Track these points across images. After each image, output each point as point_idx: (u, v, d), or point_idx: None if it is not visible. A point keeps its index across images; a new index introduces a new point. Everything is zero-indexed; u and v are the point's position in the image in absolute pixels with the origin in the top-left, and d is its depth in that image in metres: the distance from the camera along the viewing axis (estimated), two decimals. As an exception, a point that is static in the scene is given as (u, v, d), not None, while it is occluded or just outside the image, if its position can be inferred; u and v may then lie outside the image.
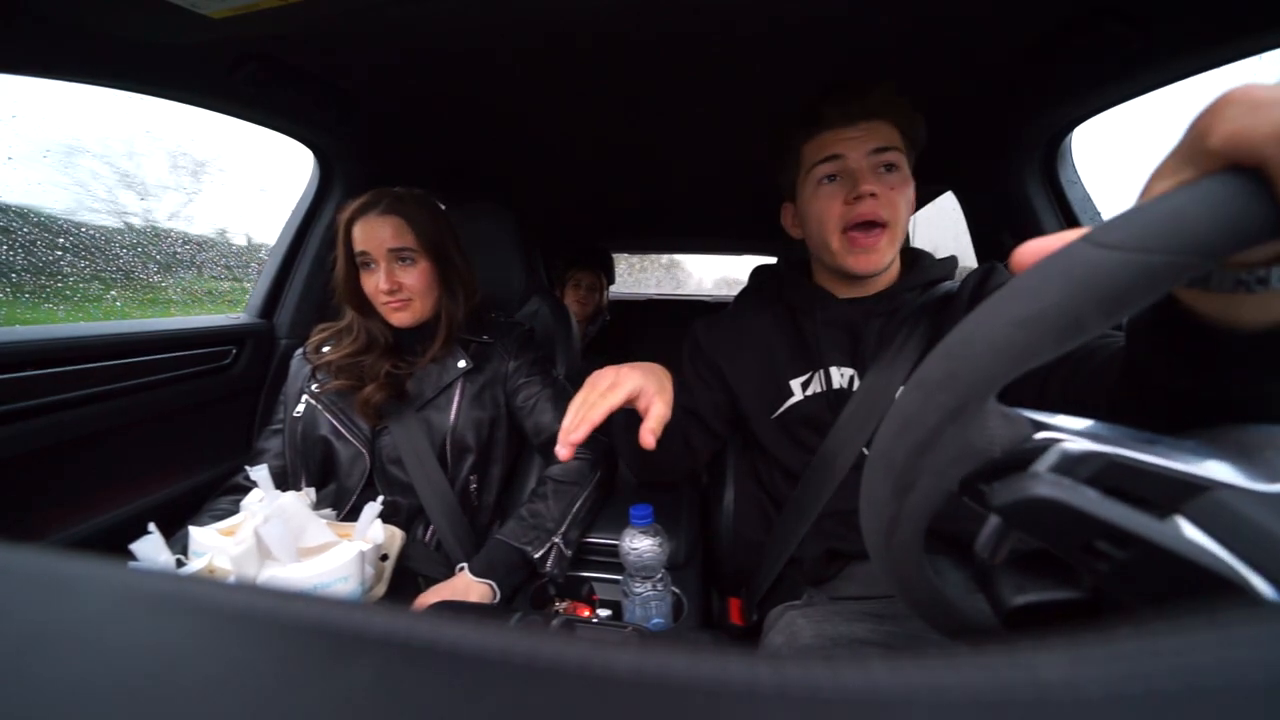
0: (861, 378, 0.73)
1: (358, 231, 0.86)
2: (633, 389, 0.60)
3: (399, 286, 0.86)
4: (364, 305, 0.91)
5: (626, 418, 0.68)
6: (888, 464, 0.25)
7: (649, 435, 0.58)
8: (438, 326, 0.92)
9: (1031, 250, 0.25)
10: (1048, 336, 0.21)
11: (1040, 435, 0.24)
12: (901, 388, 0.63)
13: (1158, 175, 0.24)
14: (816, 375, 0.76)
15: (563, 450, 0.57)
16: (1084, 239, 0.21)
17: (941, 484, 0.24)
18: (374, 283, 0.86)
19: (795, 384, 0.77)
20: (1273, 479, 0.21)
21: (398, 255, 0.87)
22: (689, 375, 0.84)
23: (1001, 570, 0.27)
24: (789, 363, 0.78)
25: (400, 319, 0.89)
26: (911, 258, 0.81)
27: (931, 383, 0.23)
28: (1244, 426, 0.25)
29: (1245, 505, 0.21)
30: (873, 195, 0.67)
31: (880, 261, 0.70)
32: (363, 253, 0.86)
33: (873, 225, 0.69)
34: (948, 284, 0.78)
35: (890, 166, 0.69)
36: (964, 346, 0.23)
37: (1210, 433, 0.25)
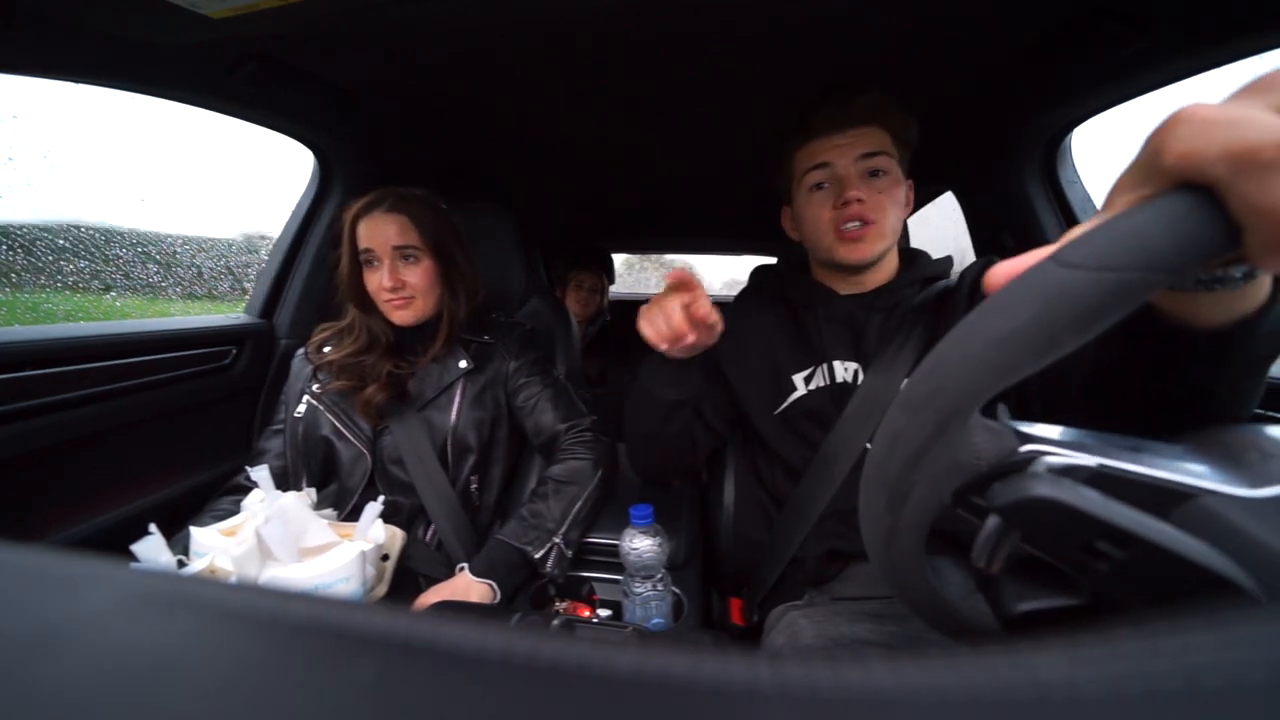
0: (865, 371, 0.74)
1: (362, 229, 0.86)
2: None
3: (402, 284, 0.87)
4: (366, 303, 0.91)
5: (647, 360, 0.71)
6: (881, 478, 0.25)
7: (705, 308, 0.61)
8: (439, 325, 0.93)
9: (1003, 271, 0.26)
10: (1023, 354, 0.21)
11: (1026, 448, 0.25)
12: (905, 382, 0.63)
13: (1118, 189, 0.25)
14: (819, 369, 0.77)
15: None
16: (1051, 258, 0.22)
17: (934, 496, 0.25)
18: (377, 280, 0.87)
19: (798, 378, 0.77)
20: (1257, 483, 0.21)
21: (402, 253, 0.87)
22: None
23: (1002, 578, 0.27)
24: (791, 358, 0.78)
25: (402, 317, 0.89)
26: (909, 256, 0.82)
27: (916, 401, 0.24)
28: (1228, 428, 0.25)
29: (1230, 511, 0.21)
30: (859, 201, 0.69)
31: (869, 251, 0.72)
32: (367, 250, 0.86)
33: (861, 223, 0.71)
34: (944, 282, 0.78)
35: (878, 171, 0.71)
36: (944, 365, 0.23)
37: (1195, 436, 0.25)
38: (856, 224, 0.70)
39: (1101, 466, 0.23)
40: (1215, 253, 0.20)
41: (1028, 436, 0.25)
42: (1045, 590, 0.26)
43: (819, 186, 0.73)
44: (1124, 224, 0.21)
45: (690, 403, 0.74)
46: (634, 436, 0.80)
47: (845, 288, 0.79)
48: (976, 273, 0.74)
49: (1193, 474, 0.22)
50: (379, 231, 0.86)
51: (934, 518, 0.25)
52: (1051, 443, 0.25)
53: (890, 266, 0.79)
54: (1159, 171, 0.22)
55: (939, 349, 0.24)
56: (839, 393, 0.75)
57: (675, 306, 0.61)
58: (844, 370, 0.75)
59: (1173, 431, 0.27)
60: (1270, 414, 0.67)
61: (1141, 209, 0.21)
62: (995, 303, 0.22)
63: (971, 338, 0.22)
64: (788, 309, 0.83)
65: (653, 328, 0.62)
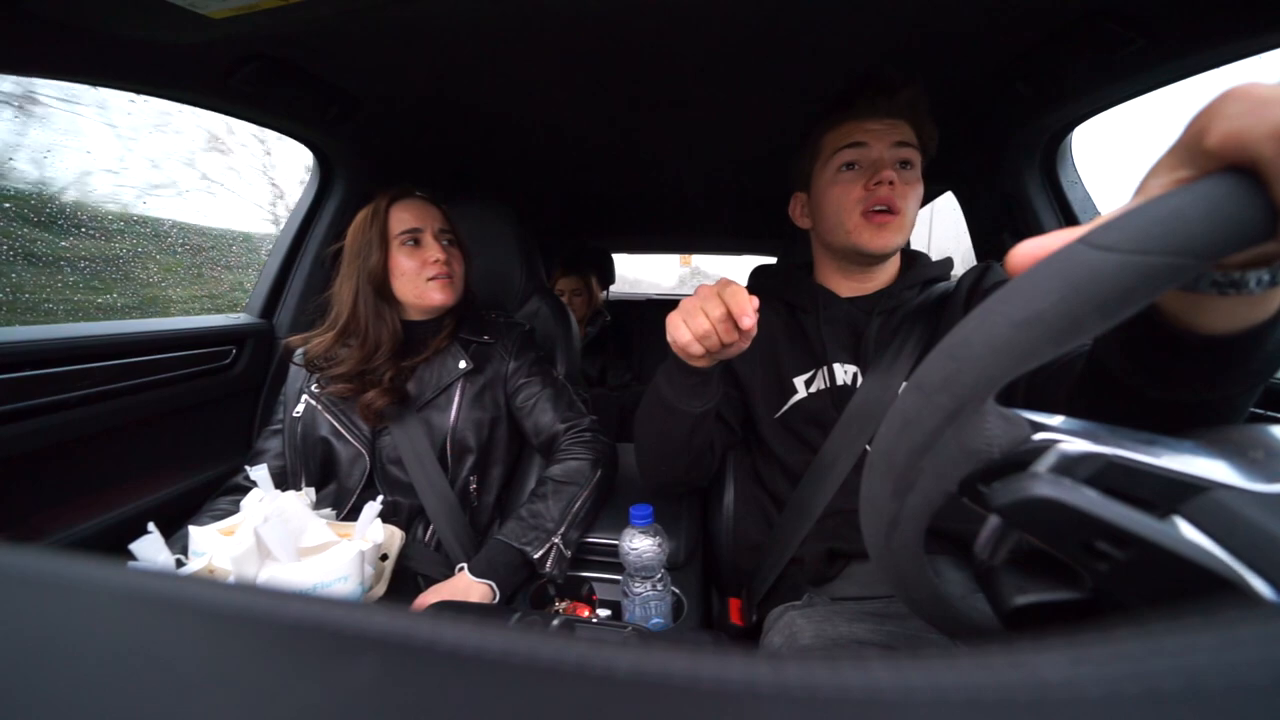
0: (864, 374, 0.74)
1: (403, 212, 0.88)
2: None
3: (448, 260, 0.89)
4: (387, 294, 0.89)
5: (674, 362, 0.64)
6: (887, 464, 0.25)
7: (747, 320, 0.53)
8: (445, 318, 0.94)
9: (1027, 251, 0.25)
10: (1046, 338, 0.21)
11: (1039, 436, 0.24)
12: (904, 385, 0.63)
13: (1154, 173, 0.24)
14: (820, 372, 0.77)
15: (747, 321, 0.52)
16: (1081, 240, 0.21)
17: (941, 485, 0.24)
18: (420, 258, 0.88)
19: (799, 381, 0.77)
20: (1270, 479, 0.21)
21: (445, 236, 0.92)
22: None
23: (1002, 570, 0.27)
24: (792, 360, 0.78)
25: (443, 296, 0.90)
26: (909, 258, 0.82)
27: (931, 384, 0.23)
28: (1234, 427, 0.25)
29: (1243, 506, 0.21)
30: (890, 184, 0.69)
31: (892, 242, 0.71)
32: (413, 229, 0.88)
33: (888, 212, 0.70)
34: (944, 284, 0.78)
35: (906, 163, 0.71)
36: (963, 348, 0.23)
37: (1208, 433, 0.25)
38: (884, 209, 0.70)
39: (1116, 457, 0.23)
40: (1252, 241, 0.20)
41: (1040, 425, 0.25)
42: (1045, 583, 0.26)
43: (850, 166, 0.72)
44: (1161, 207, 0.20)
45: (714, 410, 0.69)
46: (656, 452, 0.73)
47: (847, 289, 0.79)
48: (974, 279, 0.74)
49: (1205, 468, 0.22)
50: (425, 212, 0.89)
51: (939, 506, 0.25)
52: (1064, 432, 0.24)
53: (892, 268, 0.80)
54: (1201, 153, 0.21)
55: (957, 331, 0.23)
56: (839, 395, 0.75)
57: (720, 309, 0.54)
58: (844, 373, 0.75)
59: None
60: (1271, 414, 0.67)
61: (1180, 191, 0.21)
62: (1021, 284, 0.22)
63: (993, 319, 0.22)
64: (788, 310, 0.82)
65: (693, 328, 0.55)
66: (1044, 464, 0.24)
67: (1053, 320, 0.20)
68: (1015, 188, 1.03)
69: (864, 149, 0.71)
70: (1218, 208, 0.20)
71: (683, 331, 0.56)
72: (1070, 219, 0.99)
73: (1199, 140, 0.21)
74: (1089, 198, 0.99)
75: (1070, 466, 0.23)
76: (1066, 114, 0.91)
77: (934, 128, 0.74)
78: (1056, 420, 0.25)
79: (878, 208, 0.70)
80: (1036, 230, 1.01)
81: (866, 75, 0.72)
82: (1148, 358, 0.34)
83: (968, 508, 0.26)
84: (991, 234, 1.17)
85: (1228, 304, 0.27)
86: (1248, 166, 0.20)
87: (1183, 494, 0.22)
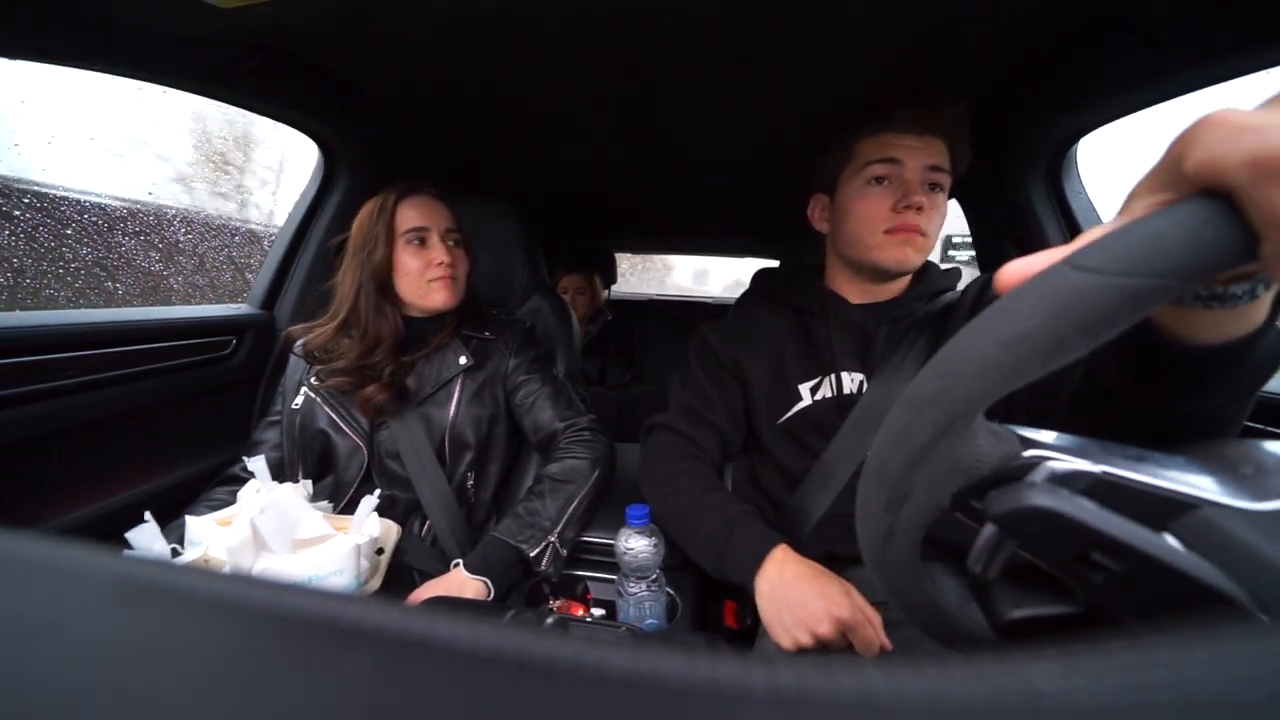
0: (869, 382, 0.74)
1: (410, 209, 0.87)
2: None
3: (452, 262, 0.89)
4: (389, 291, 0.89)
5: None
6: (881, 478, 0.25)
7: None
8: (449, 316, 0.94)
9: (1014, 271, 0.25)
10: (1032, 357, 0.21)
11: (1029, 453, 0.25)
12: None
13: (1136, 194, 0.24)
14: (827, 380, 0.76)
15: None
16: (1065, 262, 0.21)
17: (934, 499, 0.25)
18: (425, 258, 0.87)
19: (804, 388, 0.77)
20: (1260, 497, 0.21)
21: (450, 235, 0.91)
22: (702, 382, 0.83)
23: (997, 583, 0.27)
24: (798, 367, 0.78)
25: (445, 298, 0.89)
26: (920, 268, 0.82)
27: (922, 400, 0.24)
28: (1226, 442, 0.25)
29: (1231, 524, 0.21)
30: (919, 209, 0.68)
31: (912, 261, 0.71)
32: (419, 228, 0.87)
33: (912, 233, 0.70)
34: (950, 294, 0.78)
35: (936, 186, 0.71)
36: (952, 365, 0.23)
37: (1195, 449, 0.25)
38: (907, 232, 0.70)
39: (1105, 474, 0.23)
40: (1232, 263, 0.20)
41: (1031, 441, 0.25)
42: (1040, 597, 0.26)
43: (879, 181, 0.71)
44: (1141, 229, 0.21)
45: None
46: (673, 529, 0.77)
47: (858, 296, 0.79)
48: (978, 290, 0.74)
49: (1195, 485, 0.22)
50: (431, 211, 0.88)
51: (932, 520, 0.25)
52: (1054, 448, 0.24)
53: (904, 278, 0.80)
54: (1179, 177, 0.22)
55: (947, 348, 0.23)
56: (844, 404, 0.75)
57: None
58: (851, 381, 0.75)
59: (1157, 447, 0.27)
60: (1268, 429, 0.67)
61: (1159, 214, 0.21)
62: (1006, 304, 0.22)
63: (981, 338, 0.22)
64: (794, 314, 0.82)
65: (791, 640, 0.60)
66: (1035, 479, 0.24)
67: (1038, 340, 0.21)
68: (1020, 197, 1.03)
69: (897, 166, 0.70)
70: (1197, 231, 0.20)
71: (786, 640, 0.60)
72: (1074, 229, 0.99)
73: (1177, 165, 0.22)
74: (1093, 208, 0.99)
75: (1060, 483, 0.23)
76: (1073, 124, 0.91)
77: (969, 149, 0.73)
78: (1047, 436, 0.25)
79: (903, 232, 0.70)
80: (1040, 240, 1.01)
81: (911, 86, 0.71)
82: (1139, 368, 0.34)
83: (962, 521, 0.26)
84: (995, 243, 1.17)
85: (1213, 316, 0.28)
86: (1224, 191, 0.20)
87: (1172, 511, 0.22)
